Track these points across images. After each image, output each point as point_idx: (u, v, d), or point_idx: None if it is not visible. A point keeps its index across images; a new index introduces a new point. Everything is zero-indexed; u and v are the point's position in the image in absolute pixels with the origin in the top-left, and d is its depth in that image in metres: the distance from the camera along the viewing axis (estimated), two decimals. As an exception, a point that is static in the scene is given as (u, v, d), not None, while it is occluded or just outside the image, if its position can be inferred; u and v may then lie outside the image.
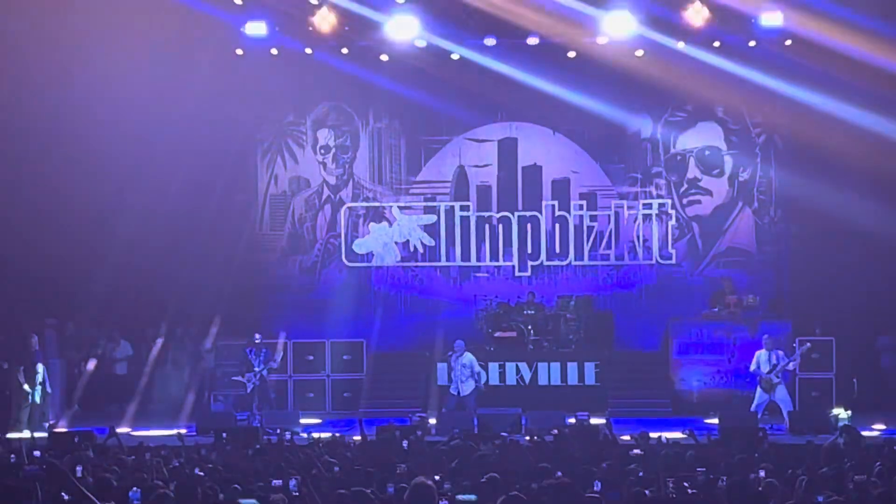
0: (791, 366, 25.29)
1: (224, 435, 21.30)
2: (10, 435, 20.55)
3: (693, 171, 30.63)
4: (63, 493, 11.79)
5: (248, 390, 26.12)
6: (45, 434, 22.64)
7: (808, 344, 25.81)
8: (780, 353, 25.07)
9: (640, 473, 13.86)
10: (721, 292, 28.75)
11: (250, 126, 30.90)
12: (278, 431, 22.41)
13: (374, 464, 15.06)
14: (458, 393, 25.65)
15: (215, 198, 29.83)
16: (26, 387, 25.44)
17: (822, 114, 28.18)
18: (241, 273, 30.44)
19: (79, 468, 14.66)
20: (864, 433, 19.87)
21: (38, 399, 25.82)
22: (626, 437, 18.97)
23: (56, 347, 27.77)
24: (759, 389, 24.90)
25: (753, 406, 24.76)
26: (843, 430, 19.53)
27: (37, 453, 17.37)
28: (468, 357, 25.79)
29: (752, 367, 25.05)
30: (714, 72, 28.81)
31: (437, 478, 12.76)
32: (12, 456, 16.89)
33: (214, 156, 29.28)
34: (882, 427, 22.95)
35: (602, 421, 21.55)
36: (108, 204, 28.57)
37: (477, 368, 25.83)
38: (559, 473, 13.73)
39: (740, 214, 30.48)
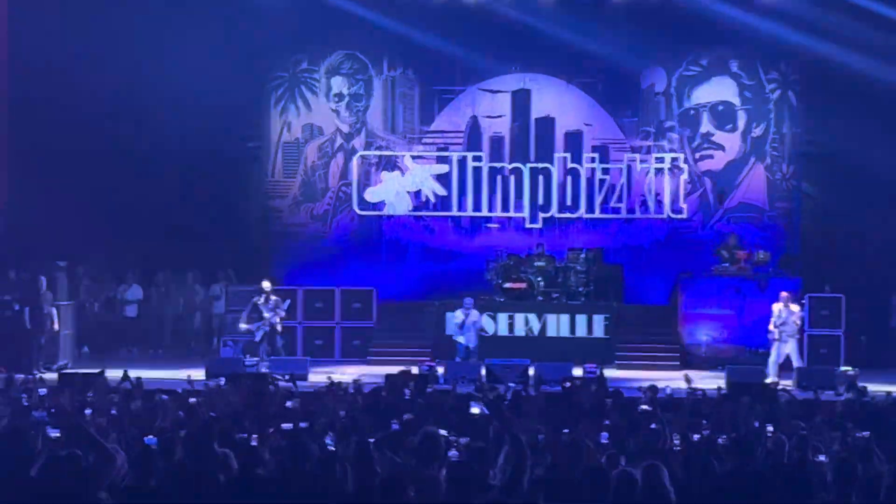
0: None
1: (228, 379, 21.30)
2: (20, 375, 20.57)
3: (706, 126, 30.57)
4: (71, 436, 11.83)
5: (258, 337, 26.17)
6: (54, 375, 22.73)
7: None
8: (790, 308, 25.12)
9: (652, 426, 13.88)
10: (725, 246, 28.69)
11: (264, 73, 30.85)
12: (286, 378, 22.42)
13: (381, 412, 15.12)
14: (468, 345, 25.91)
15: (228, 144, 29.86)
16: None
17: (836, 69, 28.16)
18: (252, 220, 30.52)
19: (87, 410, 14.74)
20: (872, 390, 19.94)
21: (47, 340, 26.05)
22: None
23: (66, 290, 27.83)
24: (775, 345, 25.02)
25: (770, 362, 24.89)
26: (849, 386, 19.60)
27: (42, 391, 17.46)
28: (475, 314, 26.03)
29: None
30: (729, 26, 28.79)
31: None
32: (24, 396, 16.98)
33: (227, 102, 29.19)
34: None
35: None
36: (120, 147, 28.59)
37: (482, 325, 26.16)
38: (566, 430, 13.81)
39: (752, 170, 30.44)
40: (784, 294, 25.36)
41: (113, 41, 27.77)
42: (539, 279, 28.29)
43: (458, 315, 26.23)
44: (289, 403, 16.39)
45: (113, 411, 14.82)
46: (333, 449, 11.81)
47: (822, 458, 12.17)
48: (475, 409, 15.51)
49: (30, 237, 27.35)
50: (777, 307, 25.19)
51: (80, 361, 26.53)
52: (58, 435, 12.02)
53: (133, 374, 18.63)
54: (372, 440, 11.15)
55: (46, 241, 27.69)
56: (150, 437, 12.21)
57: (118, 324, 29.74)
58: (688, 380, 18.77)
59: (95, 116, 27.93)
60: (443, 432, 11.47)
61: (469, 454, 11.22)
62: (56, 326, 26.42)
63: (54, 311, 26.44)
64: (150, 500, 9.39)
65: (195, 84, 28.13)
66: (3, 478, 8.76)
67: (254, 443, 12.30)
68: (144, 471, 9.85)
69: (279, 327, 26.19)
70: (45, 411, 14.90)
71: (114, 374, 19.13)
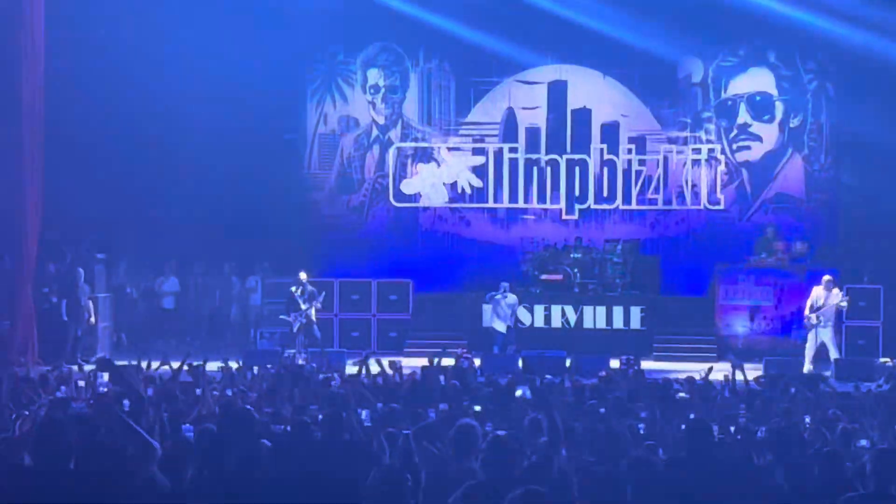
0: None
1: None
2: (58, 367, 20.66)
3: (743, 117, 30.45)
4: (109, 427, 11.86)
5: (294, 329, 26.26)
6: (92, 367, 22.81)
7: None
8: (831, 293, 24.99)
9: (692, 415, 13.83)
10: (765, 239, 28.60)
11: (300, 65, 30.90)
12: (323, 369, 22.44)
13: (416, 403, 15.12)
14: (506, 325, 26.05)
15: (265, 136, 29.93)
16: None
17: (874, 59, 28.02)
18: (289, 212, 30.58)
19: (125, 402, 14.77)
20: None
21: (84, 332, 26.20)
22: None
23: (105, 281, 27.97)
24: (812, 332, 24.94)
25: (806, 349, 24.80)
26: (889, 377, 19.48)
27: (80, 383, 17.53)
28: (512, 297, 26.07)
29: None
30: (767, 16, 28.67)
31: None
32: (62, 387, 17.04)
33: (264, 94, 29.30)
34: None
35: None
36: (157, 140, 28.69)
37: (517, 310, 26.22)
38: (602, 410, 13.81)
39: (790, 161, 30.31)
40: (826, 277, 25.21)
41: (151, 34, 27.87)
42: (575, 271, 28.25)
43: (496, 297, 26.29)
44: (329, 390, 16.40)
45: (149, 401, 14.86)
46: (370, 440, 11.81)
47: (864, 443, 12.12)
48: (519, 392, 15.54)
49: (68, 230, 27.46)
50: (817, 290, 25.06)
51: (118, 353, 26.63)
52: (96, 426, 12.06)
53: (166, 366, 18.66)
54: (409, 431, 11.15)
55: (85, 234, 27.83)
56: (187, 425, 12.25)
57: (156, 315, 29.88)
58: (735, 367, 18.60)
59: (133, 109, 28.01)
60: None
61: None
62: (93, 319, 26.56)
63: (90, 303, 26.58)
64: (187, 492, 9.42)
65: (232, 76, 28.26)
66: (42, 470, 8.80)
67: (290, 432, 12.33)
68: (182, 462, 9.88)
69: (314, 319, 26.28)
70: (83, 402, 14.95)
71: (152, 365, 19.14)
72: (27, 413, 13.09)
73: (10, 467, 9.07)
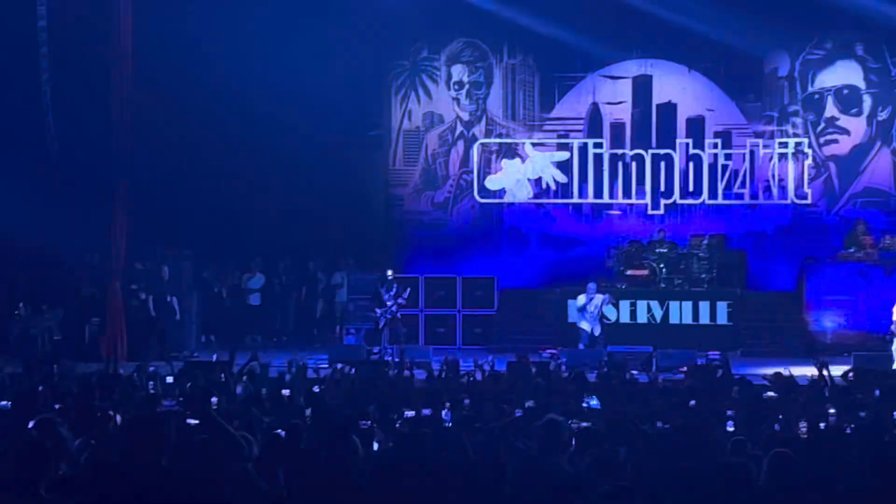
0: None
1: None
2: (146, 364, 20.85)
3: (831, 110, 30.16)
4: (199, 424, 11.97)
5: (381, 325, 26.37)
6: (180, 364, 23.01)
7: None
8: None
9: (780, 416, 13.73)
10: (854, 234, 28.34)
11: (385, 61, 30.99)
12: (408, 365, 22.47)
13: (502, 399, 15.12)
14: (592, 331, 25.86)
15: (350, 133, 30.07)
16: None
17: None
18: (373, 208, 30.71)
19: (213, 399, 14.89)
20: None
21: (171, 329, 26.50)
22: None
23: (192, 278, 28.24)
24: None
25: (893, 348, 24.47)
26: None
27: (169, 379, 17.70)
28: (600, 298, 25.95)
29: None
30: (855, 9, 28.41)
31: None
32: (150, 383, 17.20)
33: (349, 91, 29.45)
34: None
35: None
36: (243, 137, 28.90)
37: (604, 308, 26.06)
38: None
39: (878, 154, 30.00)
40: None
41: (236, 31, 28.04)
42: (661, 266, 28.13)
43: (581, 299, 26.16)
44: (414, 388, 16.46)
45: (238, 399, 14.98)
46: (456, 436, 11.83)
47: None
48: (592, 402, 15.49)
49: (156, 228, 27.71)
50: None
51: (206, 349, 26.85)
52: (187, 423, 12.17)
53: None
54: (497, 427, 11.18)
55: (172, 232, 28.11)
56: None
57: (242, 312, 30.10)
58: (821, 367, 18.36)
59: (220, 108, 28.22)
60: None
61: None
62: (178, 316, 26.83)
63: (175, 300, 26.85)
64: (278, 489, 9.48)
65: (317, 73, 28.39)
66: (134, 468, 8.90)
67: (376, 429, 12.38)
68: (272, 459, 9.96)
69: (399, 315, 26.38)
70: (173, 400, 15.09)
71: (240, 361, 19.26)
72: (117, 410, 13.21)
73: (103, 464, 9.16)
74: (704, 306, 27.71)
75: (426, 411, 13.89)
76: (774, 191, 30.22)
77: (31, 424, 10.78)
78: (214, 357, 20.03)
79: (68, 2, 25.86)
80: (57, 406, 13.79)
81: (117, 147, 25.48)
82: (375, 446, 11.30)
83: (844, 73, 30.06)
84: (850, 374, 19.14)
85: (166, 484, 8.72)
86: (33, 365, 19.64)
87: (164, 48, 27.14)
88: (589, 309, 25.97)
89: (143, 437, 9.06)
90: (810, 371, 18.38)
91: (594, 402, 15.17)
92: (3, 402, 14.21)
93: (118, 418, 12.47)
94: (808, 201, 30.11)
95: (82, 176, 26.66)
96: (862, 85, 29.97)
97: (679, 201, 30.48)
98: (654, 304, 27.79)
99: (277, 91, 28.31)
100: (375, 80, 30.83)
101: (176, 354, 25.61)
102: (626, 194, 30.69)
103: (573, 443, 10.59)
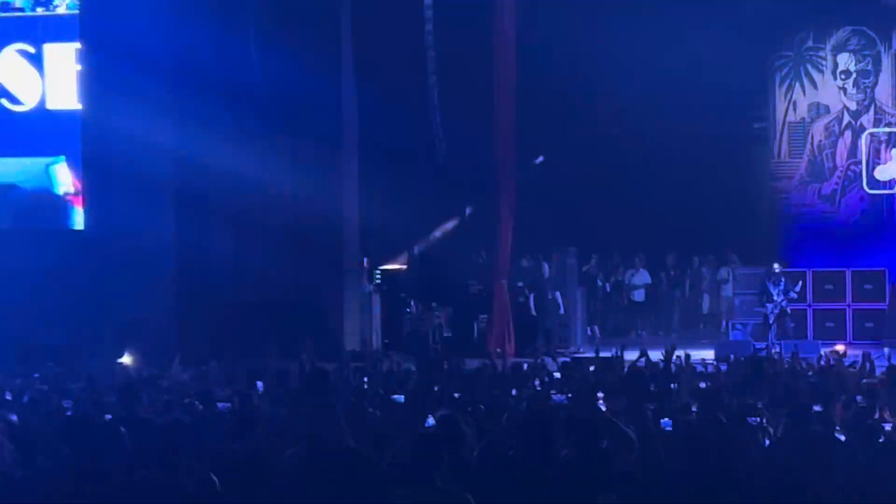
0: None
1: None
2: (533, 359, 21.19)
3: None
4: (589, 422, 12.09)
5: (770, 321, 26.07)
6: (566, 359, 23.28)
7: None
8: None
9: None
10: None
11: (768, 52, 30.56)
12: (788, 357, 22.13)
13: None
14: None
15: (733, 125, 29.87)
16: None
17: None
18: (757, 201, 30.38)
19: (600, 393, 15.01)
20: None
21: (555, 325, 26.95)
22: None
23: (576, 275, 28.57)
24: None
25: None
26: None
27: (556, 375, 17.95)
28: None
29: None
30: None
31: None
32: (535, 381, 17.48)
33: (732, 83, 29.18)
34: None
35: None
36: (628, 134, 29.22)
37: None
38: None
39: None
40: None
41: (617, 31, 28.15)
42: None
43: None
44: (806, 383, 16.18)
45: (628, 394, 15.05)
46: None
47: None
48: None
49: (539, 227, 28.14)
50: None
51: (590, 345, 27.09)
52: (573, 417, 12.32)
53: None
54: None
55: (556, 230, 28.54)
56: (665, 419, 12.34)
57: (626, 307, 30.31)
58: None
59: (600, 105, 28.51)
60: None
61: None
62: (562, 310, 27.19)
63: (559, 295, 27.23)
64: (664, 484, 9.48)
65: (700, 66, 28.21)
66: (527, 459, 9.10)
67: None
68: (658, 453, 9.98)
69: (788, 310, 26.02)
70: (562, 395, 15.30)
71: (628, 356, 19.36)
72: (505, 405, 13.49)
73: (496, 457, 9.43)
74: None
75: (816, 407, 13.61)
76: None
77: (430, 421, 11.21)
78: (601, 352, 20.13)
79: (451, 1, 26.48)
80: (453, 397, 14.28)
81: (501, 147, 26.04)
82: (766, 443, 11.19)
83: None
84: None
85: (556, 476, 8.89)
86: (425, 364, 20.25)
87: (544, 48, 27.53)
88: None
89: (537, 432, 9.25)
90: None
91: None
92: (397, 396, 14.72)
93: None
94: None
95: (469, 176, 27.39)
96: None
97: None
98: None
99: (659, 88, 28.36)
100: (759, 72, 30.45)
101: (562, 350, 25.98)
102: None
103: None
